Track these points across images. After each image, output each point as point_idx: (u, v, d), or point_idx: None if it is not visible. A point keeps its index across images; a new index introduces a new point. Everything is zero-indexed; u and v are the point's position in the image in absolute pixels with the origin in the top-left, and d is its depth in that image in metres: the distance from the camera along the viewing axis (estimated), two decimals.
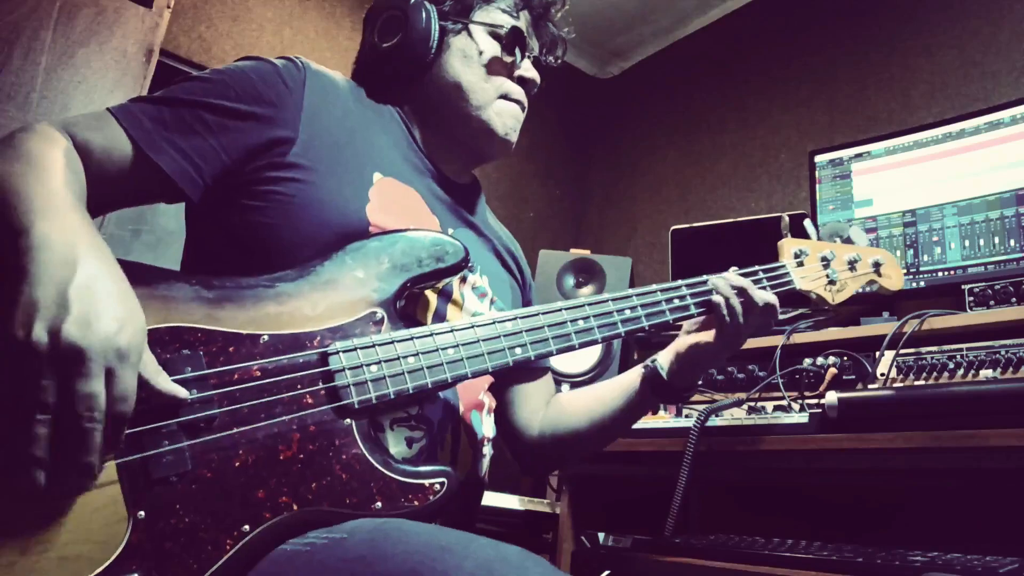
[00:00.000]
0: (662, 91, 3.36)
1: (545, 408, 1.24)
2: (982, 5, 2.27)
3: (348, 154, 1.01)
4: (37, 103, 1.78)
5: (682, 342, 1.13)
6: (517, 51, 1.14)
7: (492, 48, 1.13)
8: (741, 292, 1.08)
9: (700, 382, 1.23)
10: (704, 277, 1.11)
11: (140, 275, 0.80)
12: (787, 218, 1.24)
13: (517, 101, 1.15)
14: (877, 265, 1.25)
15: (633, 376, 1.18)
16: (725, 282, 1.09)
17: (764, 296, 1.09)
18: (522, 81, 1.15)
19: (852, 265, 1.23)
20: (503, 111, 1.13)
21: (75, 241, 0.72)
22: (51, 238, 0.71)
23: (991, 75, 2.20)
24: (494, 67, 1.13)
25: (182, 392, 0.78)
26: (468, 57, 1.12)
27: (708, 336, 1.10)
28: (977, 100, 2.17)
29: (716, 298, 1.08)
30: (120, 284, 0.73)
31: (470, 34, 1.13)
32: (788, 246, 1.21)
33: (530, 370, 1.24)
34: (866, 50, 2.56)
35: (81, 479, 0.69)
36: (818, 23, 2.75)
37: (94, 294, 0.70)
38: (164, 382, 0.76)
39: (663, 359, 1.15)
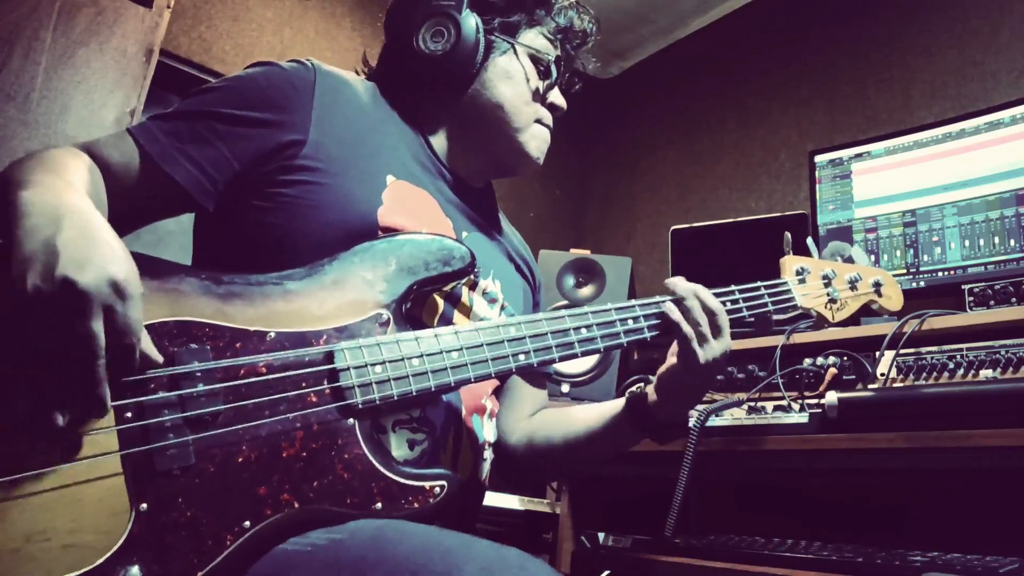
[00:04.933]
0: (662, 91, 3.36)
1: (529, 418, 1.22)
2: (982, 5, 2.27)
3: (360, 156, 1.01)
4: (37, 103, 1.78)
5: (661, 369, 1.08)
6: (554, 79, 1.17)
7: (532, 72, 1.15)
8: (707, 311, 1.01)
9: (689, 418, 1.12)
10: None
11: (150, 268, 0.81)
12: (789, 236, 1.25)
13: (548, 126, 1.18)
14: (877, 285, 1.26)
15: (617, 403, 1.14)
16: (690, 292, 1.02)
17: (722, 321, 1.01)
18: (552, 107, 1.18)
19: (853, 284, 1.24)
20: (537, 135, 1.16)
21: (58, 203, 0.74)
22: (34, 202, 0.74)
23: (991, 75, 2.20)
24: (533, 91, 1.15)
25: (158, 357, 0.78)
26: (512, 79, 1.13)
27: (673, 360, 1.05)
28: (977, 100, 2.17)
29: (671, 312, 1.01)
30: (108, 234, 0.75)
31: (516, 54, 1.14)
32: (790, 263, 1.22)
33: (527, 377, 1.24)
34: (866, 50, 2.56)
35: (94, 412, 0.72)
36: (818, 23, 2.76)
37: (84, 242, 0.72)
38: (146, 342, 0.77)
39: (651, 388, 1.11)
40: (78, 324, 0.69)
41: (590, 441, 1.15)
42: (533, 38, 1.15)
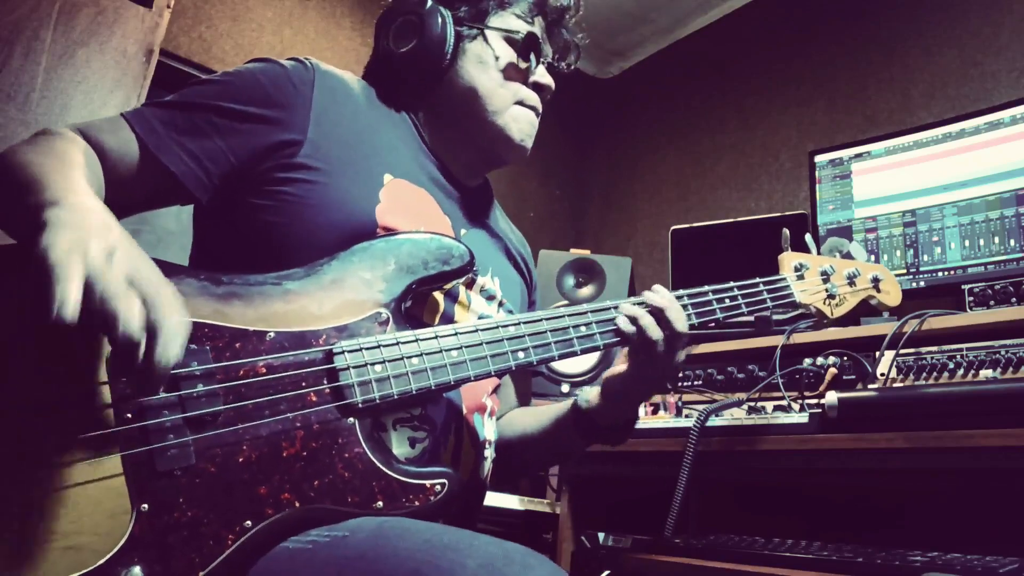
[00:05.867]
0: (662, 91, 3.36)
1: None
2: (982, 5, 2.27)
3: (358, 155, 1.01)
4: (37, 103, 1.78)
5: (606, 373, 1.08)
6: (532, 57, 1.14)
7: (508, 54, 1.13)
8: (656, 312, 1.00)
9: (636, 421, 1.13)
10: (702, 288, 1.09)
11: None
12: (787, 232, 1.25)
13: (532, 107, 1.15)
14: (876, 281, 1.26)
15: (567, 403, 1.14)
16: (633, 304, 1.02)
17: (679, 319, 1.00)
18: (537, 87, 1.16)
19: (851, 280, 1.24)
20: (519, 117, 1.14)
21: (87, 222, 0.72)
22: (64, 219, 0.71)
23: (991, 75, 2.20)
24: (510, 73, 1.13)
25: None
26: (484, 63, 1.12)
27: (622, 367, 1.05)
28: (977, 100, 2.17)
29: (624, 326, 0.99)
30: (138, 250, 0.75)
31: (486, 39, 1.12)
32: (788, 259, 1.22)
33: (516, 382, 1.24)
34: (866, 50, 2.56)
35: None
36: (818, 23, 2.76)
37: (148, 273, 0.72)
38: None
39: (588, 391, 1.11)
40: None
41: (541, 441, 1.16)
42: (503, 19, 1.14)
